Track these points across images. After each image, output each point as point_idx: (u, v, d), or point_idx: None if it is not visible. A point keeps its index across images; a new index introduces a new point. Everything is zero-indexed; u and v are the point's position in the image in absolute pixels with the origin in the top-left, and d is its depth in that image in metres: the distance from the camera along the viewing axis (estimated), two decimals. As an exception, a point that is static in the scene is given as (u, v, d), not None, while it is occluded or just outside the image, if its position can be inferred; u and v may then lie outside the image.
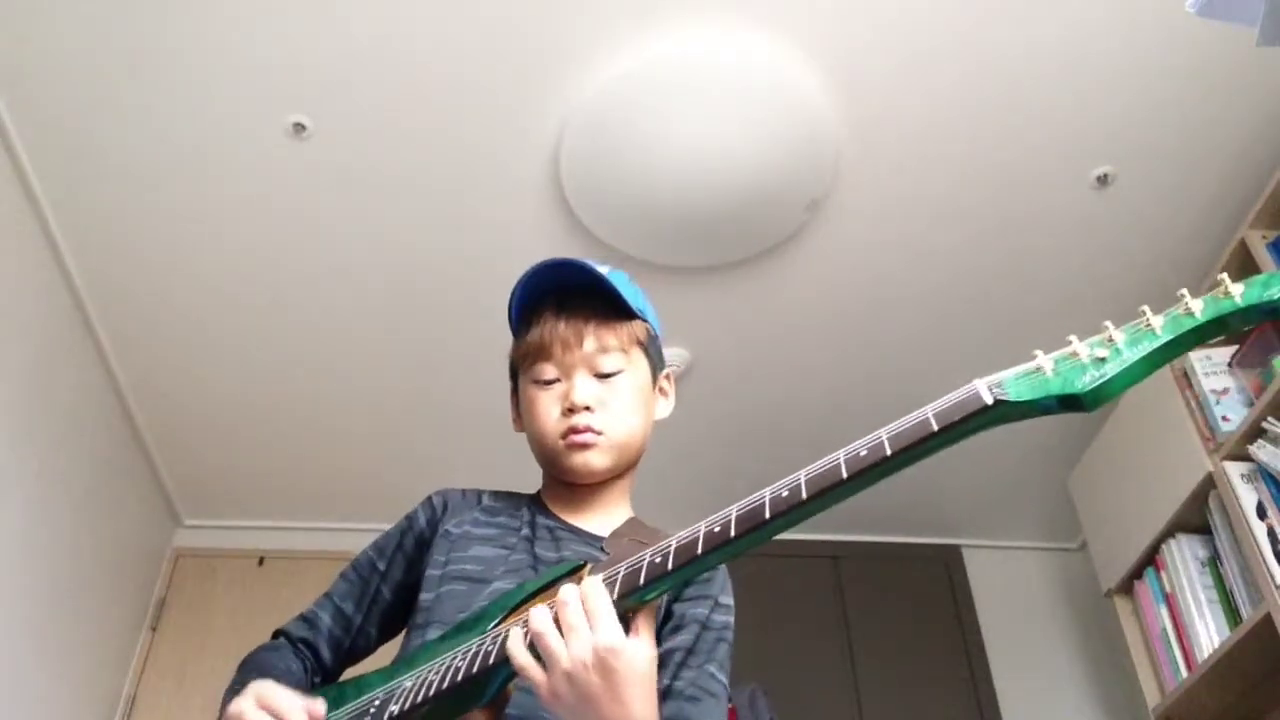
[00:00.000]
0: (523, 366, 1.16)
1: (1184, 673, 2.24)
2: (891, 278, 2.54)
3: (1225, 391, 2.24)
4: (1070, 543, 3.32)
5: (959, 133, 2.23)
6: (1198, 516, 2.28)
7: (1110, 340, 0.68)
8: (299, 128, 2.16)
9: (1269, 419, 2.04)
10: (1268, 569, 1.96)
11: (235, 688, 1.00)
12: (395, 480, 3.03)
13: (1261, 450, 2.06)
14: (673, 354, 2.68)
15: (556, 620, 0.80)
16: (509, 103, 2.15)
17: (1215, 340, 0.70)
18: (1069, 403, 0.67)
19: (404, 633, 1.10)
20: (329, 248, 2.43)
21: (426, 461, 3.00)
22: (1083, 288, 2.58)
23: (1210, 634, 2.17)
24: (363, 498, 3.10)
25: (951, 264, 2.51)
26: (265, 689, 0.91)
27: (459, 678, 0.84)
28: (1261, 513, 2.04)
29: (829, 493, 0.74)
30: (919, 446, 0.71)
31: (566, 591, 0.80)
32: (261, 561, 3.15)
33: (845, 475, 0.73)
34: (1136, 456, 2.48)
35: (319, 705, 0.90)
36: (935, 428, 0.71)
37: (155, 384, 2.76)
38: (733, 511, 0.79)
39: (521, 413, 1.18)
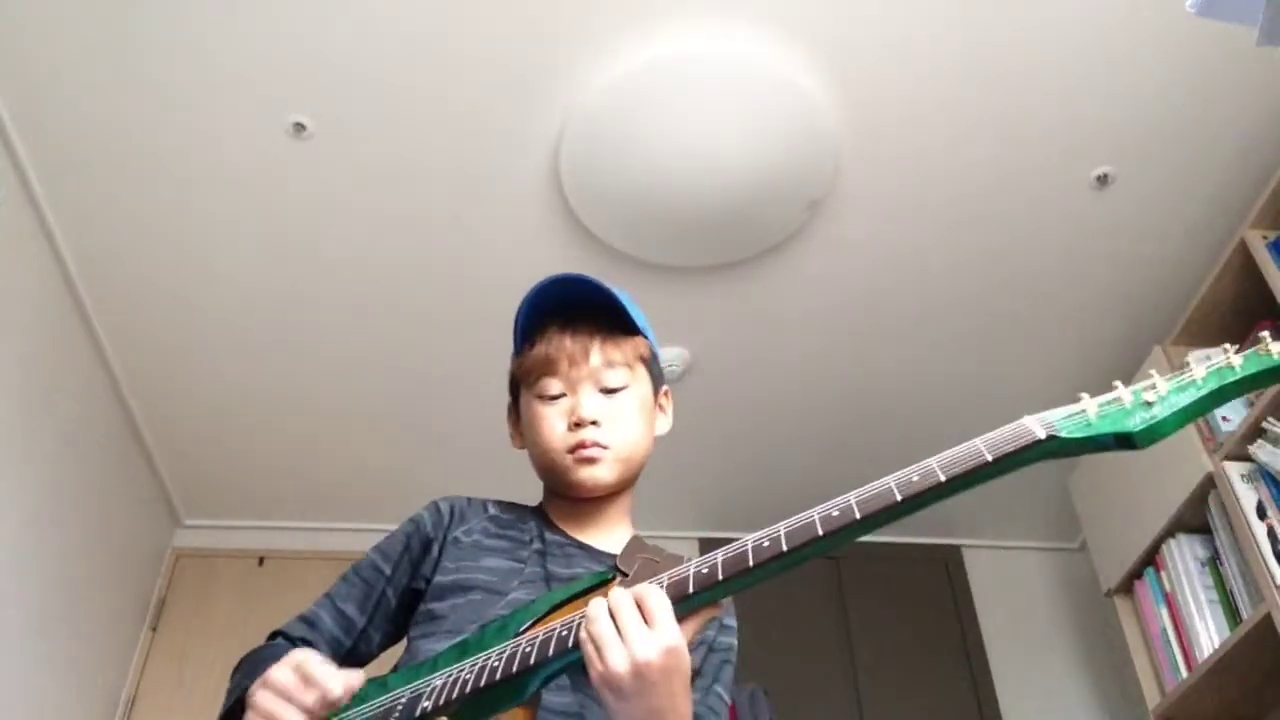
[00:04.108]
0: (526, 381, 1.16)
1: (1184, 673, 2.24)
2: (891, 277, 2.54)
3: (1225, 391, 2.24)
4: (1070, 543, 3.31)
5: (959, 133, 2.23)
6: (1198, 516, 2.28)
7: (1154, 388, 0.77)
8: (299, 128, 2.16)
9: (1269, 419, 2.04)
10: (1268, 569, 1.97)
11: (237, 689, 0.98)
12: (395, 481, 3.04)
13: (1261, 450, 2.06)
14: (673, 354, 2.68)
15: (613, 617, 0.81)
16: (509, 104, 2.15)
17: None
18: (1123, 440, 0.77)
19: (406, 640, 1.09)
20: (329, 248, 2.43)
21: (426, 463, 3.00)
22: (1082, 287, 2.58)
23: (1210, 634, 2.17)
24: (362, 498, 3.10)
25: (951, 264, 2.51)
26: (305, 658, 0.90)
27: (497, 677, 0.85)
28: (1261, 513, 2.04)
29: (881, 514, 0.79)
30: (971, 475, 0.78)
31: (617, 595, 0.82)
32: (261, 561, 3.15)
33: (899, 498, 0.78)
34: (1136, 456, 2.46)
35: (356, 678, 0.90)
36: (989, 458, 0.77)
37: (155, 383, 2.76)
38: (780, 529, 0.82)
39: (524, 428, 1.17)
